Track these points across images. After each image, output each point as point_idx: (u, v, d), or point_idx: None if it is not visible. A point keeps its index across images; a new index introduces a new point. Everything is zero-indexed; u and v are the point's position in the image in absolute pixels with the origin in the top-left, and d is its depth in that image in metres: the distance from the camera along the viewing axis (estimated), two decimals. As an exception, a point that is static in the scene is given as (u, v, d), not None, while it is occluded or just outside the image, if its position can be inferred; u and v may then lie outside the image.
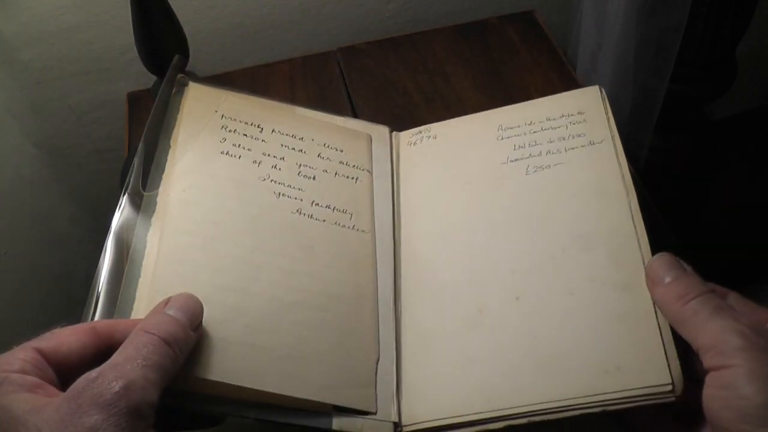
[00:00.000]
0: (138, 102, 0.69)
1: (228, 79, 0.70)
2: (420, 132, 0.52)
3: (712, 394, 0.31)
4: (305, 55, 0.71)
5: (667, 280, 0.35)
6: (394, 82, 0.67)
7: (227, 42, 0.77)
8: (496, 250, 0.43)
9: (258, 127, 0.47)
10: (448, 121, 0.52)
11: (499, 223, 0.44)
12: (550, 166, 0.45)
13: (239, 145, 0.46)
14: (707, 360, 0.32)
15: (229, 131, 0.46)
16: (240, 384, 0.35)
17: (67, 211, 0.85)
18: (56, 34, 0.71)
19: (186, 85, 0.47)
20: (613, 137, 0.45)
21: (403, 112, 0.64)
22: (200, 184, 0.43)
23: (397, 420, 0.38)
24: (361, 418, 0.37)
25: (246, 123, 0.47)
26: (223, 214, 0.42)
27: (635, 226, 0.40)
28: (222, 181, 0.43)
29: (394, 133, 0.53)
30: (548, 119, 0.48)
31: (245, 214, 0.42)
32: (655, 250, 0.39)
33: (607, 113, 0.46)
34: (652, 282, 0.37)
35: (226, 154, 0.45)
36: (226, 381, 0.35)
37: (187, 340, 0.33)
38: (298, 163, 0.47)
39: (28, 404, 0.28)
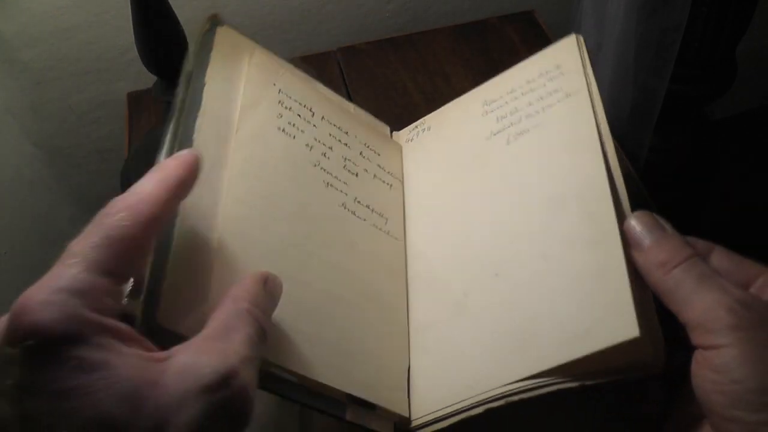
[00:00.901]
0: (138, 102, 0.69)
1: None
2: (416, 127, 0.52)
3: (702, 375, 0.29)
4: (305, 55, 0.71)
5: (647, 242, 0.33)
6: (394, 82, 0.67)
7: (227, 42, 0.77)
8: (478, 230, 0.41)
9: (310, 110, 0.45)
10: (439, 109, 0.51)
11: (481, 202, 0.42)
12: (528, 130, 0.42)
13: (294, 125, 0.44)
14: (695, 337, 0.30)
15: (285, 108, 0.44)
16: (290, 368, 0.33)
17: (67, 211, 0.85)
18: (56, 34, 0.71)
19: (221, 24, 0.43)
20: (589, 85, 0.41)
21: (403, 112, 0.64)
22: (258, 156, 0.40)
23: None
24: (370, 412, 0.36)
25: (300, 104, 0.45)
26: (277, 193, 0.40)
27: (610, 176, 0.36)
28: (278, 159, 0.41)
29: (394, 133, 0.53)
30: (528, 82, 0.45)
31: (297, 198, 0.41)
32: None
33: (583, 61, 0.42)
34: (632, 245, 0.34)
35: (283, 131, 0.43)
36: (277, 363, 0.33)
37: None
38: (344, 157, 0.45)
39: (140, 372, 0.25)
